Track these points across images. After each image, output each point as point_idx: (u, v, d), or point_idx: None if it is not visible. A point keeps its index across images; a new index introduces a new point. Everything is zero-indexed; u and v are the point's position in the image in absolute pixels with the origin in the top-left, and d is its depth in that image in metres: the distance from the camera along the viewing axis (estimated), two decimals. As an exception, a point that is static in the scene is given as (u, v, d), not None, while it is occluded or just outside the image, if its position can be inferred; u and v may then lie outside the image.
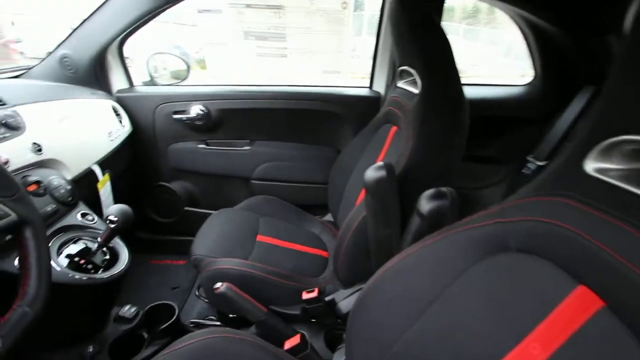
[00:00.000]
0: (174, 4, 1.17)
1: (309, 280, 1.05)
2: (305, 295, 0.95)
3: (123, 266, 0.83)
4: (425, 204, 0.66)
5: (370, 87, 1.43)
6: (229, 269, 0.95)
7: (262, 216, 1.26)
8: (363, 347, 0.57)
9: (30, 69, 1.19)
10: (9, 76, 1.15)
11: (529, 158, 1.37)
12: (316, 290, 0.95)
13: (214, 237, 1.10)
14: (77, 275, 0.73)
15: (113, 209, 0.75)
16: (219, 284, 0.87)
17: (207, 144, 1.44)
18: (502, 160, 1.47)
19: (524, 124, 1.39)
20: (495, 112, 1.37)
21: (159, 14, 1.18)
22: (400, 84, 1.05)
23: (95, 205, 1.03)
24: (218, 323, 1.09)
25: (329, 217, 1.47)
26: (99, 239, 0.79)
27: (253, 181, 1.48)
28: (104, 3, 1.13)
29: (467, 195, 1.48)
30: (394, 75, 1.29)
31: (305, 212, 1.40)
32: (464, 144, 0.88)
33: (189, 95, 1.36)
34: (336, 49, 1.44)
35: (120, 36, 1.20)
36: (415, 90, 0.92)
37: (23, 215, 0.52)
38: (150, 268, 1.49)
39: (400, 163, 0.85)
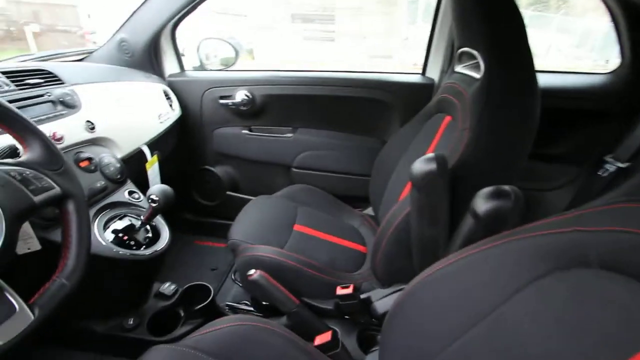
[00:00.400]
0: None
1: (344, 275, 1.00)
2: (340, 291, 0.90)
3: (163, 244, 0.85)
4: (482, 203, 0.58)
5: (423, 73, 1.32)
6: (264, 257, 0.94)
7: (300, 205, 1.23)
8: (398, 353, 0.52)
9: (92, 52, 1.27)
10: (74, 59, 1.23)
11: (608, 158, 1.17)
12: (351, 286, 0.90)
13: (251, 223, 1.10)
14: (121, 251, 0.75)
15: (155, 189, 0.76)
16: (252, 271, 0.86)
17: (250, 130, 1.44)
18: (572, 159, 1.28)
19: (603, 118, 1.19)
20: (569, 104, 1.19)
21: None
22: (459, 68, 0.94)
23: (143, 185, 1.07)
24: (251, 309, 1.09)
25: (369, 211, 1.40)
26: (142, 217, 0.82)
27: (293, 169, 1.46)
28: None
29: (526, 197, 1.32)
30: (451, 59, 1.17)
31: (345, 204, 1.35)
32: (533, 137, 0.76)
33: (235, 80, 1.36)
34: (387, 33, 1.34)
35: (173, 20, 1.23)
36: (477, 75, 0.81)
37: (67, 189, 0.53)
38: (193, 248, 1.54)
39: (453, 156, 0.76)
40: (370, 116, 1.36)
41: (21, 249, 0.61)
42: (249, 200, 1.46)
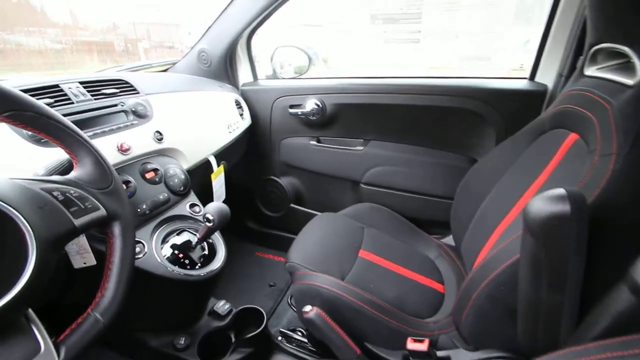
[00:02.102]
0: None
1: (415, 322, 0.83)
2: (412, 345, 0.73)
3: (218, 265, 0.79)
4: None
5: (532, 77, 1.07)
6: (322, 288, 0.82)
7: (368, 227, 1.09)
8: None
9: (175, 63, 1.32)
10: (159, 70, 1.30)
11: None
12: (426, 342, 0.72)
13: (312, 245, 0.99)
14: (175, 270, 0.71)
15: (211, 208, 0.71)
16: (308, 308, 0.75)
17: (318, 141, 1.36)
18: None
19: None
20: None
21: (283, 3, 1.13)
22: (593, 70, 0.71)
23: (206, 195, 1.05)
24: (305, 340, 0.99)
25: (448, 240, 1.19)
26: (198, 235, 0.77)
27: (362, 185, 1.32)
28: (234, -3, 1.15)
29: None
30: (574, 60, 0.91)
31: (419, 229, 1.17)
32: None
33: (306, 88, 1.29)
34: (486, 30, 1.12)
35: (248, 29, 1.21)
36: (629, 80, 0.58)
37: (113, 209, 0.49)
38: (254, 259, 1.51)
39: (588, 192, 0.54)
40: (458, 129, 1.16)
41: (77, 262, 0.59)
42: (312, 214, 1.36)
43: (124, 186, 0.73)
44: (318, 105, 1.26)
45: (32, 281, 0.37)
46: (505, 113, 1.05)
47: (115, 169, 0.73)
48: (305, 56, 1.44)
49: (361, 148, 1.29)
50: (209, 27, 1.24)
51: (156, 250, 0.73)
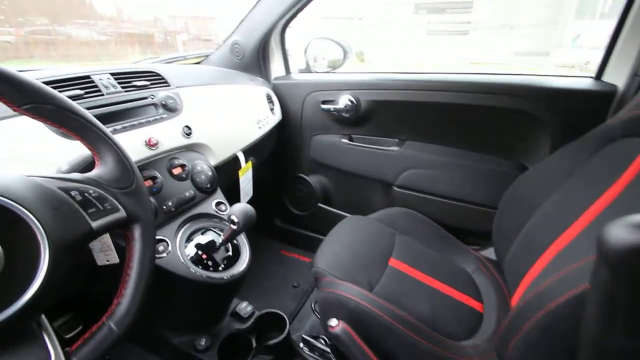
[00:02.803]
0: None
1: (451, 345, 0.75)
2: (446, 373, 0.67)
3: (242, 268, 0.76)
4: None
5: (598, 77, 0.94)
6: (349, 300, 0.77)
7: (399, 233, 1.02)
8: None
9: (209, 55, 1.31)
10: (193, 62, 1.29)
11: None
12: None
13: (339, 250, 0.94)
14: (198, 272, 0.69)
15: (236, 209, 0.67)
16: (334, 322, 0.70)
17: (350, 139, 1.29)
18: None
19: None
20: None
21: None
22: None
23: (233, 192, 1.03)
24: (328, 350, 0.94)
25: (488, 252, 1.09)
26: (222, 236, 0.74)
27: (395, 188, 1.24)
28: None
29: None
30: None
31: (456, 239, 1.08)
32: None
33: (339, 83, 1.23)
34: (547, 21, 0.99)
35: (282, 20, 1.17)
36: None
37: (133, 211, 0.46)
38: (279, 257, 1.49)
39: None
40: (505, 131, 1.05)
41: (100, 260, 0.58)
42: (341, 215, 1.31)
43: (151, 182, 0.71)
44: (352, 102, 1.20)
45: (45, 286, 0.35)
46: (564, 116, 0.93)
47: (142, 164, 0.72)
48: (340, 49, 1.38)
49: (396, 148, 1.21)
50: (243, 19, 1.21)
51: (180, 249, 0.71)
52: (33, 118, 0.39)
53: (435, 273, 0.91)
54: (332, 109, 1.23)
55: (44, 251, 0.35)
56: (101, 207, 0.42)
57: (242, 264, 0.77)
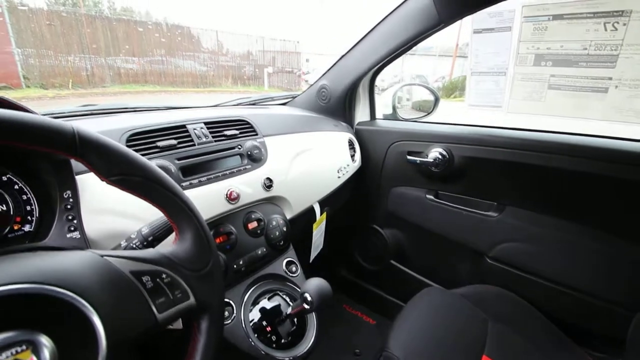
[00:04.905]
0: (434, 33, 0.95)
1: None
2: None
3: (306, 348, 0.66)
4: None
5: None
6: None
7: (494, 321, 0.83)
8: None
9: (295, 97, 1.31)
10: (279, 103, 1.30)
11: None
12: None
13: (419, 333, 0.79)
14: (259, 346, 0.61)
15: (311, 287, 0.59)
16: None
17: (436, 196, 1.14)
18: None
19: None
20: None
21: (414, 45, 1.00)
22: None
23: (304, 245, 0.95)
24: None
25: (621, 369, 0.82)
26: (291, 305, 0.66)
27: (489, 260, 1.05)
28: (363, 37, 1.07)
29: None
30: None
31: (571, 340, 0.84)
32: None
33: (429, 134, 1.11)
34: None
35: (374, 68, 1.11)
36: None
37: (204, 299, 0.40)
38: (341, 313, 1.36)
39: None
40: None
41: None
42: (414, 278, 1.14)
43: (225, 237, 0.67)
44: (444, 156, 1.06)
45: None
46: None
47: (220, 218, 0.68)
48: (430, 93, 1.27)
49: (495, 214, 1.03)
50: (333, 65, 1.19)
51: (244, 315, 0.64)
52: (120, 189, 0.36)
53: None
54: (418, 161, 1.11)
55: (101, 351, 0.30)
56: (171, 297, 0.37)
57: (306, 344, 0.67)
